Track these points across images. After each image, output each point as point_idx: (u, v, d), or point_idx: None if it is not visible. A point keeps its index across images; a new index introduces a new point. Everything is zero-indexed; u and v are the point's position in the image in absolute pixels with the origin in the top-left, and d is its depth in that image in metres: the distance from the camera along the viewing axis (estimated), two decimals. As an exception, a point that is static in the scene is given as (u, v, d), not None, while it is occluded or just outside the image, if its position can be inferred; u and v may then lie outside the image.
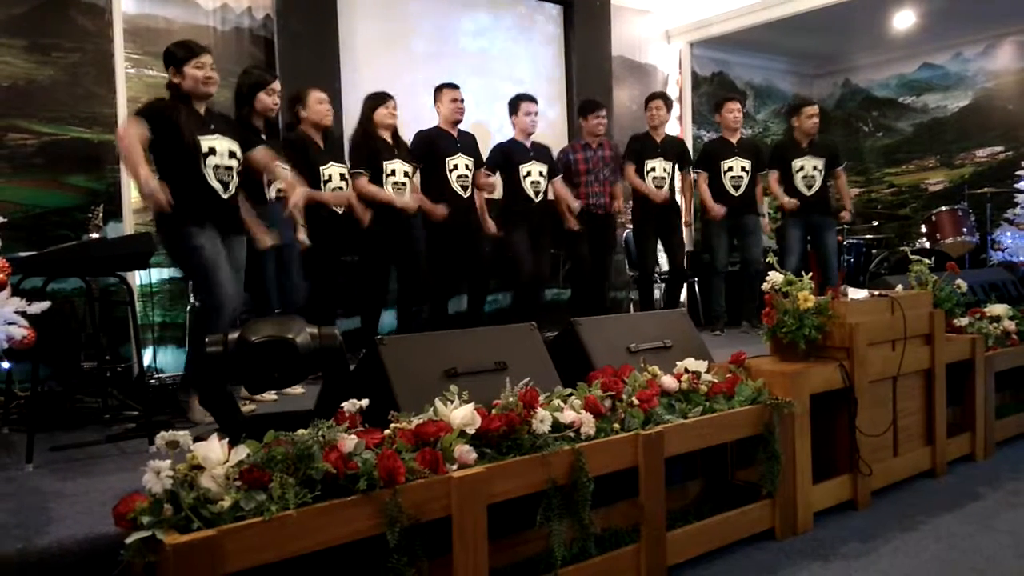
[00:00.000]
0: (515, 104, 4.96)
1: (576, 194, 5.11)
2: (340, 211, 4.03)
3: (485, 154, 4.91)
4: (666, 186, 5.30)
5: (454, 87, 4.68)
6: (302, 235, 3.66)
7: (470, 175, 4.67)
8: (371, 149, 4.25)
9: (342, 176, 4.06)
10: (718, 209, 5.31)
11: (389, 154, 4.30)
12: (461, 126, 4.77)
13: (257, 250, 3.41)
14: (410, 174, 4.40)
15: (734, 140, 5.45)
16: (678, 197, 5.56)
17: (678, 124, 7.13)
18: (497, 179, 4.88)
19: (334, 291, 4.12)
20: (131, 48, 4.46)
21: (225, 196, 3.12)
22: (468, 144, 4.74)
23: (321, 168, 3.96)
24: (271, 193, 3.71)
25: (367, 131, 4.29)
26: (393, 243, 4.31)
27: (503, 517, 2.04)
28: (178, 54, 3.06)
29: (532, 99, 4.97)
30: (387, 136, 4.33)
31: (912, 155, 7.97)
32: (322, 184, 3.95)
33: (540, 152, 4.98)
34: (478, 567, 1.89)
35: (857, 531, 2.66)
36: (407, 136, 4.58)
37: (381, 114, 4.28)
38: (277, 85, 3.69)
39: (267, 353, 2.13)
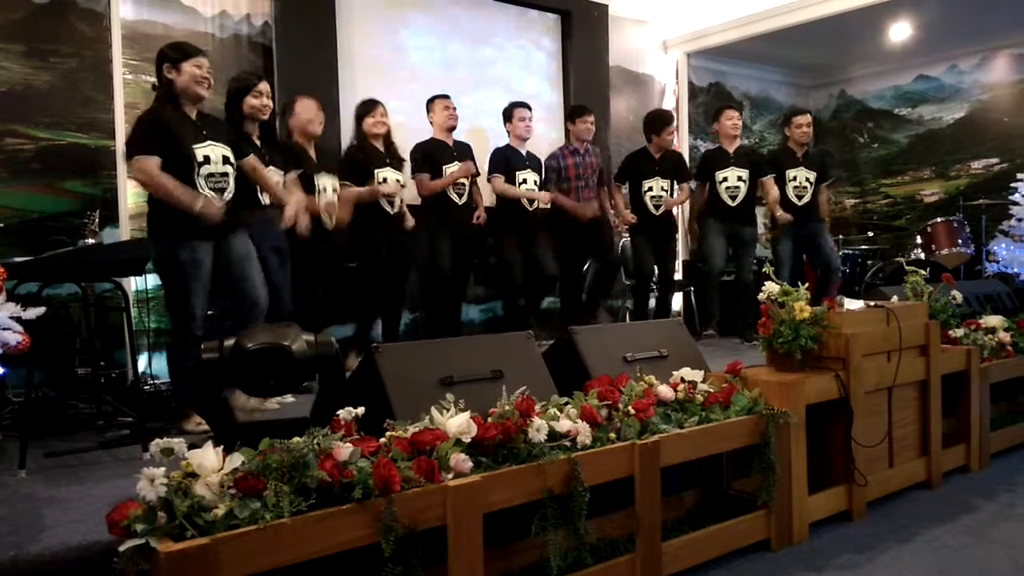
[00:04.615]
0: (509, 112, 4.99)
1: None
2: (330, 224, 4.01)
3: (482, 161, 4.92)
4: (664, 204, 5.31)
5: (444, 96, 4.71)
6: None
7: (466, 182, 4.69)
8: (360, 159, 4.28)
9: (334, 189, 4.06)
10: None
11: (380, 162, 4.31)
12: (457, 135, 4.78)
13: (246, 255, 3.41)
14: (402, 181, 4.40)
15: (731, 149, 5.44)
16: (674, 209, 5.56)
17: (675, 134, 7.14)
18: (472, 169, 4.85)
19: (339, 299, 4.11)
20: (129, 54, 4.46)
21: (220, 203, 3.12)
22: (464, 152, 4.76)
23: (315, 178, 3.96)
24: (264, 199, 3.70)
25: (358, 140, 4.33)
26: (387, 250, 4.31)
27: (499, 526, 2.03)
28: (177, 51, 3.07)
29: (526, 106, 4.99)
30: (378, 144, 4.35)
31: (907, 166, 8.00)
32: (317, 195, 3.95)
33: (533, 161, 5.03)
34: (473, 576, 1.89)
35: (852, 542, 2.66)
36: (407, 146, 4.60)
37: (369, 123, 4.31)
38: (264, 87, 3.63)
39: (263, 360, 2.12)
